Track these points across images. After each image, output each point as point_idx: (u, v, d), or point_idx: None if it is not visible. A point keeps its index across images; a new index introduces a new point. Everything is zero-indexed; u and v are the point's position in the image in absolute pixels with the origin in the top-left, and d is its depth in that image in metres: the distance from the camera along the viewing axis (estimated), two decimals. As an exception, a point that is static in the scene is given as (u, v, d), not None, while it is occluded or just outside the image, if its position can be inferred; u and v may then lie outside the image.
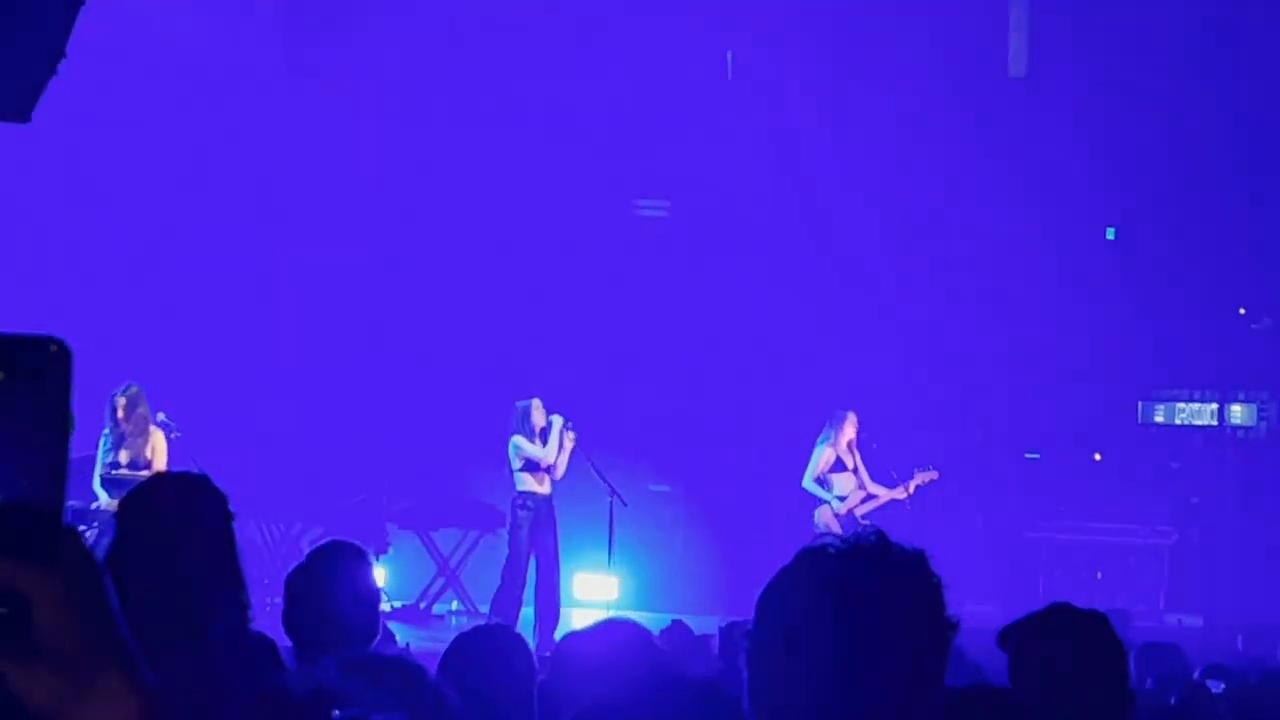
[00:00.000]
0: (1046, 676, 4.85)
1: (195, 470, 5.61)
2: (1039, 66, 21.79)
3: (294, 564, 6.05)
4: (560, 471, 17.27)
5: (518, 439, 17.20)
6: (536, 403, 17.25)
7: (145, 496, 4.93)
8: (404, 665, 4.30)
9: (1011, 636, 5.00)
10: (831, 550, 2.69)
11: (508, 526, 17.41)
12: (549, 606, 16.92)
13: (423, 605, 19.86)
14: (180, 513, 4.81)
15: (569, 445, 17.27)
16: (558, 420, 17.19)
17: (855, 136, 21.70)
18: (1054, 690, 4.82)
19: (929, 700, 2.63)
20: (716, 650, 10.75)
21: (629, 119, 21.88)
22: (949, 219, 21.79)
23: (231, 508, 4.93)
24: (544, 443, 17.10)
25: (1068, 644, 4.93)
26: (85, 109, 19.05)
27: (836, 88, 21.79)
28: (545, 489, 17.18)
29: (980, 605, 18.32)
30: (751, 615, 2.76)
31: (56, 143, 19.39)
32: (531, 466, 17.13)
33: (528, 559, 17.09)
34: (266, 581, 15.28)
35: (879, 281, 21.63)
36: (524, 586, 17.07)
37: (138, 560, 4.74)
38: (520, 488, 17.17)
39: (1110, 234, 22.24)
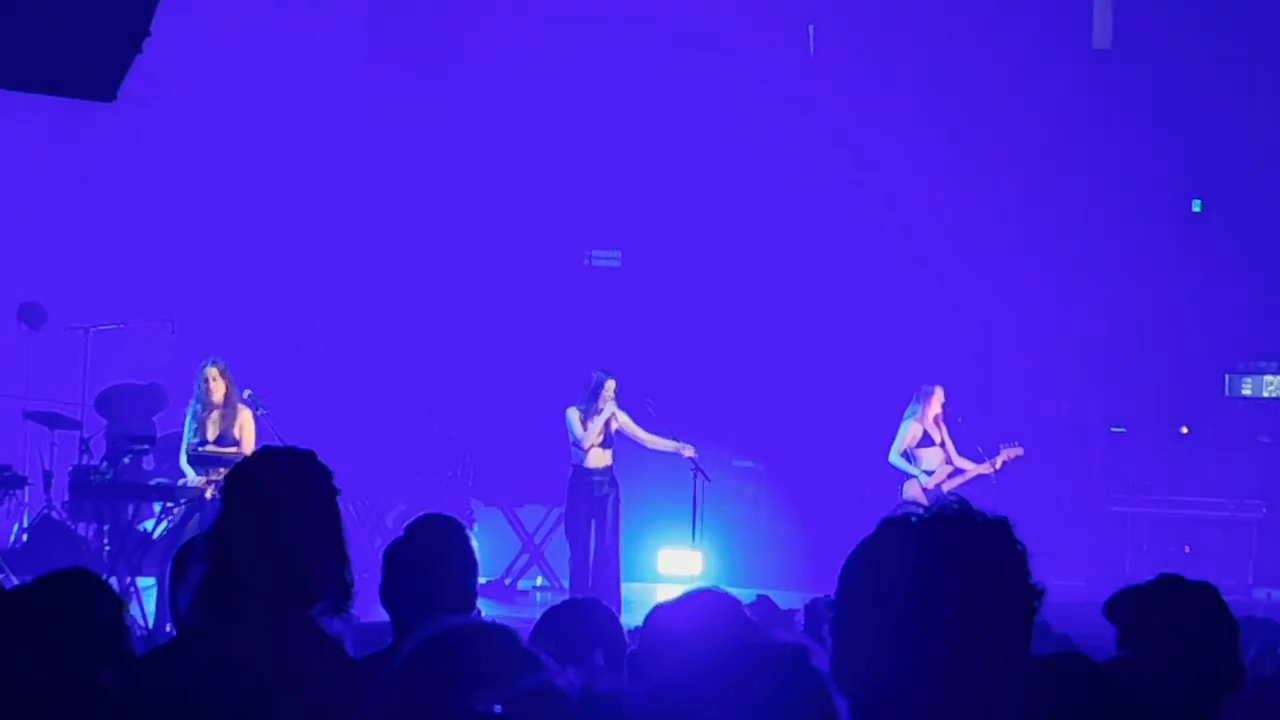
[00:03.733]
0: (1158, 647, 4.81)
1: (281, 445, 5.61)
2: (1124, 37, 21.62)
3: (380, 539, 6.02)
4: (650, 442, 17.15)
5: (570, 411, 17.06)
6: (611, 383, 17.00)
7: (252, 470, 4.97)
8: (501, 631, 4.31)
9: (1120, 607, 4.96)
10: (914, 519, 2.68)
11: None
12: (606, 584, 16.54)
13: (508, 581, 19.93)
14: (286, 487, 4.84)
15: (687, 451, 17.17)
16: (608, 410, 16.84)
17: (939, 105, 21.58)
18: (1165, 660, 4.78)
19: (1014, 667, 2.62)
20: (802, 626, 10.73)
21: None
22: (1033, 193, 21.66)
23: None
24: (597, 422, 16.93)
25: (1180, 614, 4.88)
26: (174, 103, 19.28)
27: (915, 59, 21.68)
28: (599, 463, 16.93)
29: (1067, 580, 18.24)
30: (835, 586, 2.75)
31: (153, 131, 19.59)
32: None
33: (585, 535, 16.90)
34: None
35: (965, 256, 21.52)
36: (587, 561, 16.95)
37: (242, 533, 4.79)
38: (574, 461, 17.04)
39: (1197, 206, 22.05)
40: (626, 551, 17.59)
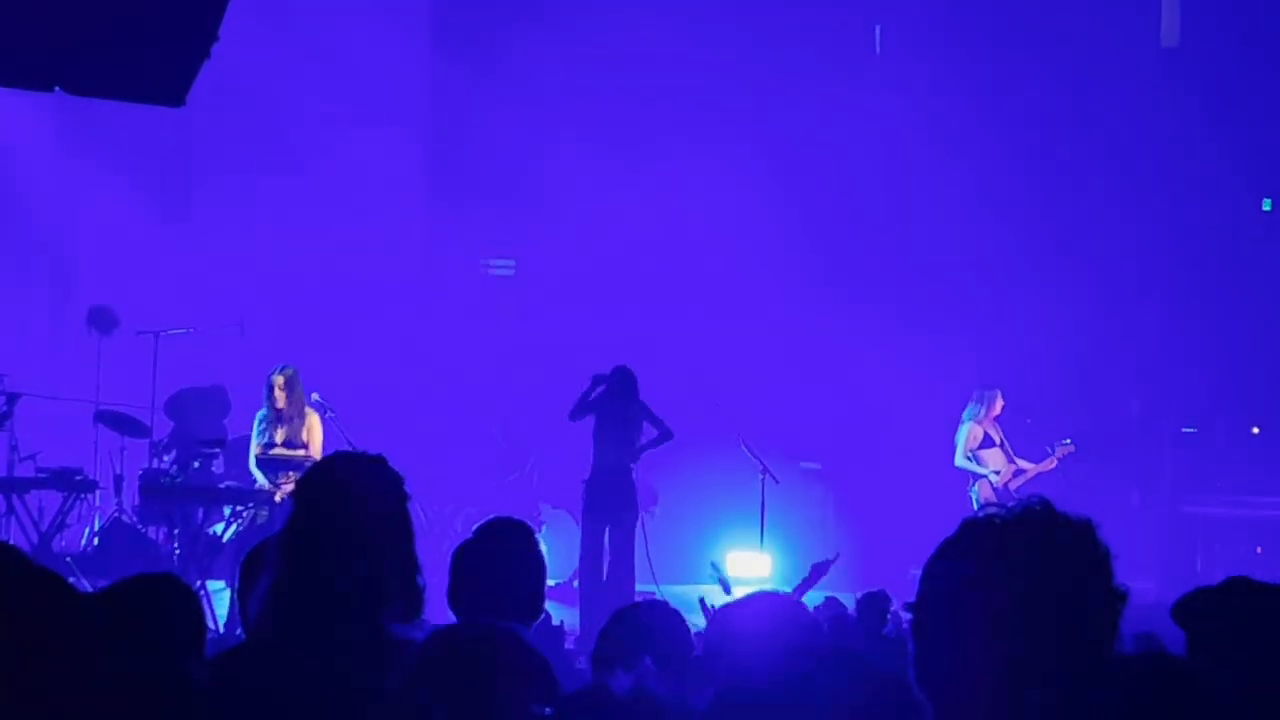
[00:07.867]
0: (1227, 651, 4.76)
1: (351, 449, 5.63)
2: (1192, 35, 21.48)
3: (449, 543, 6.04)
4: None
5: None
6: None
7: (323, 474, 4.98)
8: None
9: (1188, 611, 4.92)
10: (998, 520, 2.66)
11: None
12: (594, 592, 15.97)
13: (576, 584, 19.92)
14: (357, 491, 4.85)
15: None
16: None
17: (1009, 106, 21.48)
18: (1235, 664, 4.73)
19: (1099, 668, 2.59)
20: (854, 619, 10.71)
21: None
22: (1099, 191, 21.54)
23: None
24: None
25: (1250, 617, 4.83)
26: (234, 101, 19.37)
27: (986, 61, 21.59)
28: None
29: (1138, 581, 18.13)
30: (914, 587, 2.73)
31: (217, 134, 19.67)
32: None
33: (587, 543, 16.65)
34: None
35: (1031, 253, 21.40)
36: (589, 570, 16.62)
37: (313, 538, 4.79)
38: None
39: (1267, 205, 21.89)
40: (694, 552, 17.45)
